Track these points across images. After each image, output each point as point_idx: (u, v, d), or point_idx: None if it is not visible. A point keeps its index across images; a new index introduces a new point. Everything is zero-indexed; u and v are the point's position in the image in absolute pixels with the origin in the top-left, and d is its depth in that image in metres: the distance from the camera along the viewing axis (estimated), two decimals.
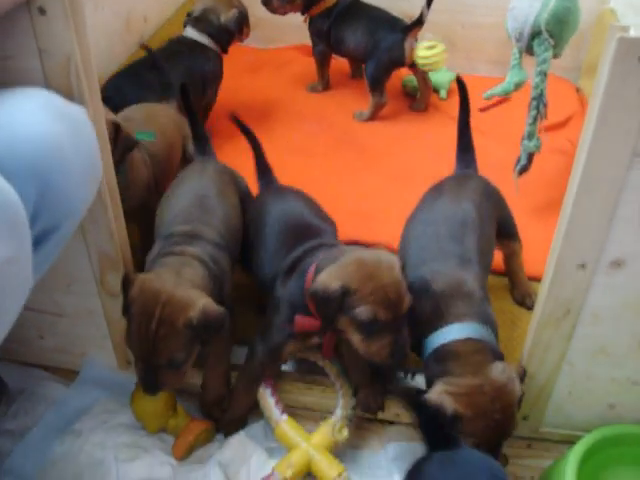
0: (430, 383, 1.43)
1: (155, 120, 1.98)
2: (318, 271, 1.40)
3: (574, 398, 1.50)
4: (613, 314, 1.35)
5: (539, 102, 1.93)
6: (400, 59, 2.58)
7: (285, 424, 1.53)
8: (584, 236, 1.23)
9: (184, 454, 1.54)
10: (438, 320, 1.46)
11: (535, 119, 1.96)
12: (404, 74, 2.83)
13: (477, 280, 1.52)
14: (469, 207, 1.64)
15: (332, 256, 1.42)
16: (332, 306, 1.34)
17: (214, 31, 2.44)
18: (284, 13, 2.65)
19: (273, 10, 2.62)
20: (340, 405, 1.57)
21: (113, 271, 1.49)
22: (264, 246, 1.63)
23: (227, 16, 2.43)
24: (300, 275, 1.47)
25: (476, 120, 2.51)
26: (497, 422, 1.35)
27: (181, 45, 2.41)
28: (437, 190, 1.75)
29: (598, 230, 1.22)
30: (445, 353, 1.42)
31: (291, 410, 1.59)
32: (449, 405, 1.34)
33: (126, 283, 1.40)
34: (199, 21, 2.44)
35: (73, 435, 1.59)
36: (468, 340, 1.42)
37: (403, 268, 1.41)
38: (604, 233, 1.22)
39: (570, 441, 1.49)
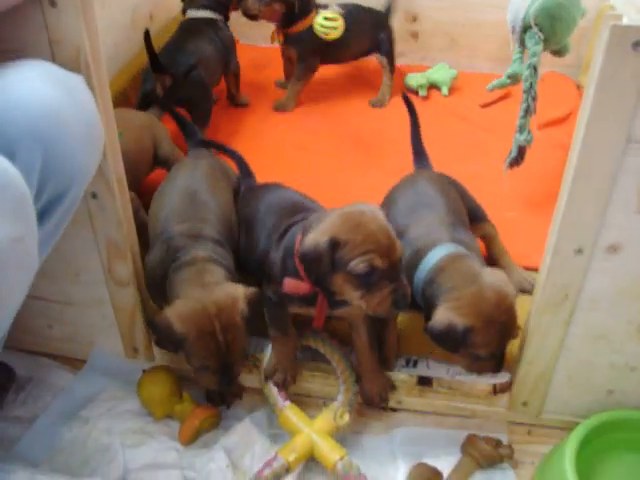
0: (430, 310, 1.43)
1: (123, 121, 1.92)
2: (305, 233, 1.39)
3: (573, 384, 1.52)
4: (611, 299, 1.37)
5: (528, 95, 1.95)
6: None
7: (288, 410, 1.55)
8: (580, 221, 1.25)
9: (190, 439, 1.56)
10: (418, 258, 1.50)
11: (526, 112, 1.97)
12: (406, 72, 2.86)
13: (446, 219, 1.59)
14: (434, 187, 1.71)
15: (318, 218, 1.40)
16: (323, 263, 1.31)
17: (212, 3, 2.51)
18: (258, 16, 2.52)
19: (248, 10, 2.50)
20: (341, 391, 1.59)
21: (121, 260, 1.51)
22: (259, 226, 1.65)
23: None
24: (290, 237, 1.48)
25: (478, 116, 2.56)
26: (504, 325, 1.39)
27: (192, 25, 2.46)
28: (405, 181, 1.82)
29: (594, 215, 1.24)
30: (434, 276, 1.45)
31: (294, 397, 1.61)
32: (459, 321, 1.36)
33: (159, 326, 1.40)
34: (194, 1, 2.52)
35: (80, 422, 1.61)
36: (449, 256, 1.46)
37: (387, 216, 1.39)
38: (600, 218, 1.24)
39: (570, 427, 1.51)
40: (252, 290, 1.46)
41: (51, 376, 1.74)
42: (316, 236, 1.33)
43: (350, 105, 2.77)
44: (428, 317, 1.44)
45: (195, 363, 1.42)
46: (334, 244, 1.30)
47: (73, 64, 1.23)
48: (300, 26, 2.58)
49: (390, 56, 2.77)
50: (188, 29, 2.44)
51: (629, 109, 1.12)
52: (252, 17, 2.51)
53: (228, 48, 2.54)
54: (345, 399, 1.57)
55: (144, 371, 1.65)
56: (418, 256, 1.51)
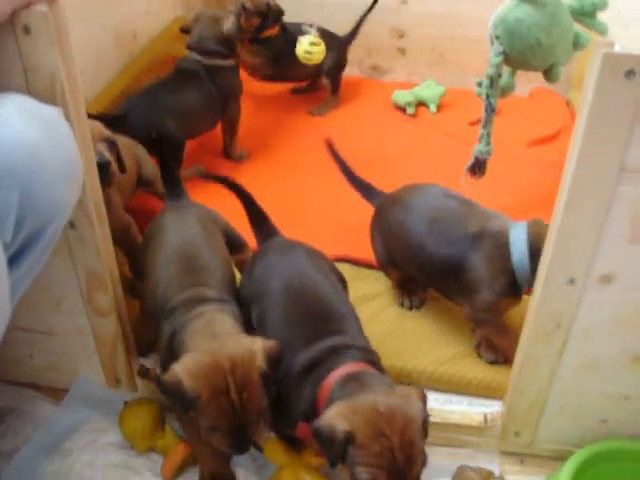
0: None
1: None
2: (331, 399, 1.27)
3: (566, 413, 1.50)
4: (604, 329, 1.34)
5: (485, 106, 1.93)
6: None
7: (275, 442, 1.51)
8: (573, 251, 1.23)
9: (172, 475, 1.52)
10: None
11: (485, 123, 1.95)
12: (394, 89, 2.84)
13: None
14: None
15: (350, 388, 1.27)
16: (335, 450, 1.19)
17: (219, 48, 2.39)
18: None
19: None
20: None
21: (101, 290, 1.48)
22: (272, 328, 1.48)
23: (227, 26, 2.37)
24: (315, 382, 1.34)
25: (466, 134, 2.54)
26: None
27: (184, 72, 2.38)
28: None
29: (587, 245, 1.22)
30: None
31: None
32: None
33: (168, 385, 1.27)
34: (201, 44, 2.38)
35: (63, 454, 1.58)
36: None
37: (426, 422, 1.23)
38: (593, 248, 1.22)
39: (562, 457, 1.48)
40: (271, 344, 1.33)
41: (33, 407, 1.70)
42: (336, 418, 1.20)
43: (338, 124, 2.75)
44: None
45: (205, 423, 1.29)
46: (349, 440, 1.17)
47: (48, 92, 1.20)
48: (269, 32, 2.63)
49: (333, 78, 2.82)
50: (178, 76, 2.37)
51: (622, 138, 1.10)
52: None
53: (225, 96, 2.43)
54: None
55: (126, 403, 1.61)
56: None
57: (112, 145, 1.66)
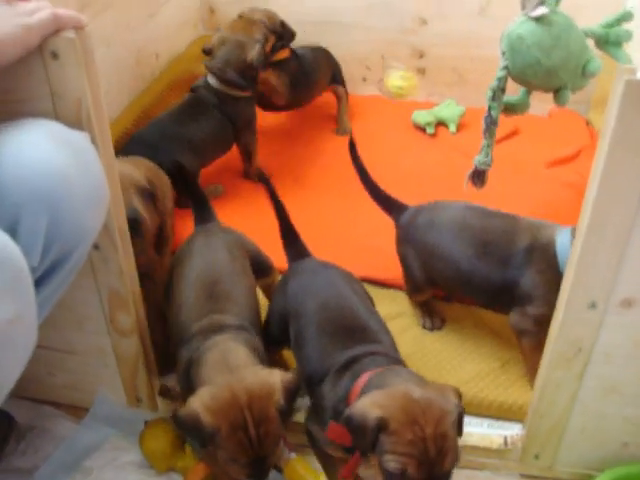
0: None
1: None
2: (363, 391, 1.28)
3: (587, 436, 1.49)
4: (625, 353, 1.34)
5: (485, 117, 1.94)
6: None
7: (294, 462, 1.51)
8: (594, 276, 1.23)
9: None
10: None
11: (485, 134, 1.97)
12: (414, 109, 2.85)
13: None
14: None
15: (382, 380, 1.28)
16: (366, 438, 1.18)
17: (239, 79, 2.32)
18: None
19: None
20: None
21: (123, 310, 1.49)
22: (310, 341, 1.49)
23: (252, 54, 2.31)
24: (350, 380, 1.34)
25: None
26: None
27: (202, 98, 2.34)
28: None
29: (608, 269, 1.21)
30: None
31: (300, 448, 1.57)
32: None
33: (185, 420, 1.26)
34: (221, 70, 2.31)
35: (83, 473, 1.58)
36: None
37: (461, 417, 1.23)
38: (614, 272, 1.21)
39: None
40: (290, 377, 1.32)
41: (53, 425, 1.71)
42: (369, 405, 1.19)
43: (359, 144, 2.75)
44: None
45: (223, 455, 1.29)
46: (381, 427, 1.16)
47: (75, 116, 1.21)
48: (282, 54, 2.59)
49: (344, 85, 2.85)
50: (189, 105, 2.34)
51: None
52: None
53: (238, 127, 2.38)
54: None
55: (146, 422, 1.61)
56: None
57: (148, 196, 1.64)
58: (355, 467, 1.31)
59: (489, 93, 1.91)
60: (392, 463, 1.15)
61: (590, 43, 1.85)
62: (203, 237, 1.70)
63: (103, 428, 1.67)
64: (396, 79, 2.36)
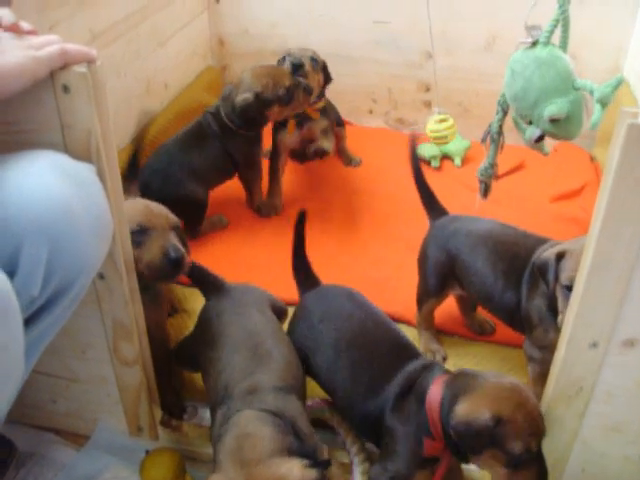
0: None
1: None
2: (446, 398, 1.34)
3: (587, 475, 1.48)
4: (627, 392, 1.33)
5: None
6: None
7: None
8: (596, 315, 1.23)
9: None
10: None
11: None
12: (419, 142, 2.87)
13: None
14: None
15: (460, 383, 1.35)
16: (483, 438, 1.27)
17: (232, 115, 2.31)
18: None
19: (309, 88, 2.38)
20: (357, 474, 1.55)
21: (127, 340, 1.49)
22: (351, 376, 1.50)
23: (238, 99, 2.27)
24: (418, 399, 1.39)
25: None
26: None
27: (206, 126, 2.36)
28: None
29: (610, 309, 1.22)
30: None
31: None
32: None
33: None
34: (226, 102, 2.32)
35: None
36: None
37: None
38: (616, 312, 1.22)
39: None
40: (311, 473, 1.20)
41: (53, 452, 1.71)
42: (473, 408, 1.29)
43: (360, 174, 2.77)
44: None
45: None
46: (497, 422, 1.26)
47: (84, 148, 1.23)
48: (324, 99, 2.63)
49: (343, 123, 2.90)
50: (192, 133, 2.37)
51: None
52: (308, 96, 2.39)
53: (236, 160, 2.38)
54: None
55: (147, 452, 1.61)
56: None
57: (178, 231, 1.63)
58: (446, 468, 1.43)
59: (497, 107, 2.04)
60: (518, 446, 1.27)
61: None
62: (226, 301, 1.65)
63: (104, 456, 1.67)
64: (433, 123, 2.36)
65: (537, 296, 1.64)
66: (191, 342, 1.68)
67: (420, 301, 1.94)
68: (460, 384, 1.35)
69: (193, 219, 2.32)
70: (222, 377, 1.45)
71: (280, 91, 2.26)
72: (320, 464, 1.23)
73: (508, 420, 1.26)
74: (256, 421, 1.29)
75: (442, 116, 2.40)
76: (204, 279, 1.74)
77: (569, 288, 1.45)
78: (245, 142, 2.37)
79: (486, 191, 2.20)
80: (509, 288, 1.70)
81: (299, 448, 1.27)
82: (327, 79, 2.59)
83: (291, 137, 2.60)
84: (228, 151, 2.35)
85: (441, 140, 2.43)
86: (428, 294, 1.91)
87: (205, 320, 1.65)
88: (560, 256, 1.53)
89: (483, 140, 2.14)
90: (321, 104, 2.63)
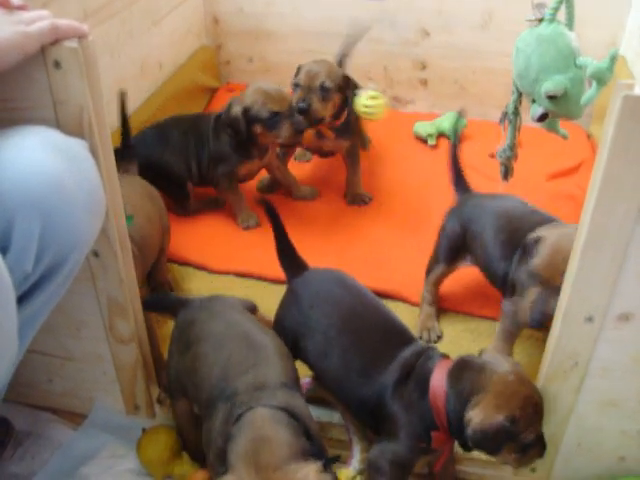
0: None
1: (134, 197, 1.87)
2: (451, 395, 1.34)
3: (583, 450, 1.49)
4: (622, 367, 1.34)
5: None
6: None
7: None
8: (591, 290, 1.23)
9: None
10: None
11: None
12: (415, 120, 2.86)
13: None
14: None
15: (465, 379, 1.35)
16: (500, 439, 1.32)
17: (224, 119, 2.30)
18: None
19: (316, 114, 2.27)
20: (355, 454, 1.56)
21: (122, 318, 1.49)
22: (347, 363, 1.48)
23: (231, 110, 2.26)
24: (419, 387, 1.39)
25: (487, 166, 2.54)
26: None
27: (206, 123, 2.37)
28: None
29: (605, 284, 1.22)
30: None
31: None
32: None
33: None
34: (225, 109, 2.30)
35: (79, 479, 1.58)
36: None
37: None
38: (611, 287, 1.22)
39: None
40: (327, 478, 1.17)
41: (50, 431, 1.71)
42: (487, 414, 1.30)
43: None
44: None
45: None
46: (513, 422, 1.30)
47: (76, 124, 1.22)
48: (344, 116, 2.42)
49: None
50: (190, 123, 2.40)
51: None
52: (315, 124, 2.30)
53: (210, 158, 2.35)
54: (359, 463, 1.54)
55: (144, 430, 1.62)
56: None
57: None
58: (447, 455, 1.49)
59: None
60: (530, 435, 1.32)
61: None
62: (198, 310, 1.56)
63: (101, 435, 1.67)
64: (364, 99, 2.30)
65: (523, 270, 1.66)
66: (174, 363, 1.54)
67: (429, 269, 1.96)
68: (466, 380, 1.35)
69: (177, 195, 2.36)
70: (215, 370, 1.38)
71: (264, 112, 2.21)
72: (330, 461, 1.23)
73: (520, 416, 1.30)
74: (272, 423, 1.23)
75: (374, 93, 2.34)
76: (165, 304, 1.70)
77: (532, 276, 1.59)
78: (224, 145, 2.33)
79: (507, 173, 2.19)
80: (504, 257, 1.74)
81: (311, 449, 1.23)
82: (349, 93, 2.37)
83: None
84: (210, 148, 2.35)
85: (370, 116, 2.36)
86: (437, 260, 1.94)
87: (181, 330, 1.55)
88: (536, 241, 1.60)
89: (501, 121, 2.13)
90: (340, 122, 2.42)
